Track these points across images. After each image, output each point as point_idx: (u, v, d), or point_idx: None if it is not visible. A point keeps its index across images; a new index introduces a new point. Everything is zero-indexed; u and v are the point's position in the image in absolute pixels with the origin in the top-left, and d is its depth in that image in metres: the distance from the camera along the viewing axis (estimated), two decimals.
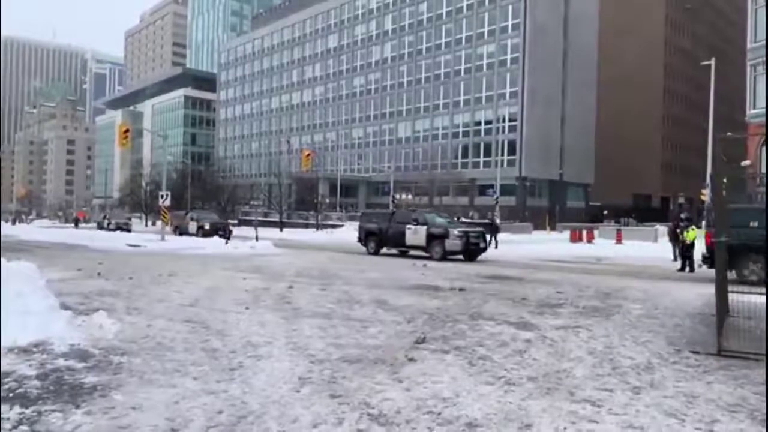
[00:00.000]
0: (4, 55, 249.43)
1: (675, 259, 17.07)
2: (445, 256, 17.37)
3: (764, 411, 3.84)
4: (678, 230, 16.64)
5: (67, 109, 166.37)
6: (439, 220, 19.07)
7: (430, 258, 17.48)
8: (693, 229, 15.84)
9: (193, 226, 30.77)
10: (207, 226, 29.50)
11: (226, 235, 28.08)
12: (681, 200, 53.68)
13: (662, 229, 28.70)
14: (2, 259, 6.19)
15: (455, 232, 17.63)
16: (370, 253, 19.55)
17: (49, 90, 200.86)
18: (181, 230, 31.76)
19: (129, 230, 39.61)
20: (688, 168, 69.50)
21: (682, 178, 68.11)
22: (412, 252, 18.83)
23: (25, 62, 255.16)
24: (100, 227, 43.75)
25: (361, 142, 69.52)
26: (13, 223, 73.26)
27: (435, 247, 17.67)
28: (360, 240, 20.71)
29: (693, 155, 62.44)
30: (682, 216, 17.57)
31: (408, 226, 18.52)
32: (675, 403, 4.06)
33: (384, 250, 19.75)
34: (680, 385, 4.50)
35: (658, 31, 72.73)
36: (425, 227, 18.03)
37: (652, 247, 24.84)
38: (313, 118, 75.82)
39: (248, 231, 32.11)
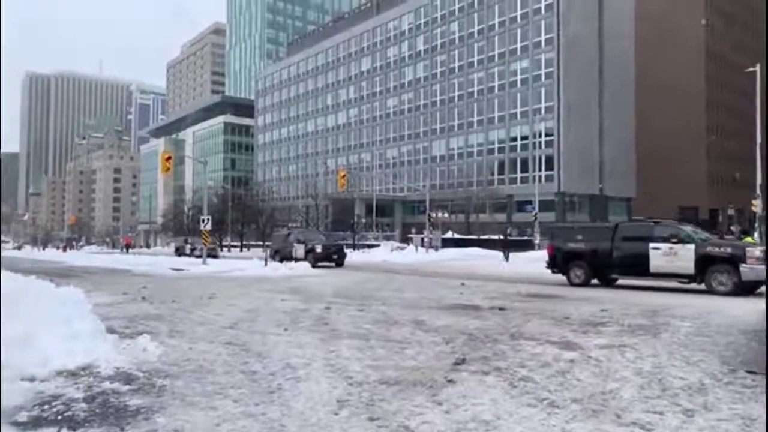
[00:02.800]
0: (55, 90, 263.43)
1: None
2: (739, 291, 11.85)
3: None
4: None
5: (114, 139, 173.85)
6: (702, 235, 13.96)
7: (709, 291, 12.25)
8: (746, 239, 15.09)
9: (300, 250, 25.21)
10: (318, 249, 24.30)
11: (340, 261, 24.88)
12: (730, 211, 51.58)
13: None
14: (51, 284, 6.44)
15: (756, 252, 12.08)
16: (575, 285, 14.36)
17: (98, 122, 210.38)
18: (281, 255, 25.86)
19: (216, 256, 32.66)
20: (736, 178, 66.95)
21: (731, 189, 65.60)
22: (655, 283, 13.59)
23: (75, 96, 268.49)
24: (181, 253, 38.72)
25: (396, 162, 69.85)
26: (64, 249, 76.42)
27: (717, 276, 12.31)
28: (553, 266, 15.37)
29: (741, 165, 60.11)
30: (732, 228, 16.76)
31: (655, 245, 13.28)
32: (731, 426, 3.84)
33: (594, 280, 14.49)
34: (736, 407, 4.26)
35: (698, 39, 70.86)
36: (691, 246, 12.80)
37: None
38: (348, 140, 76.76)
39: None
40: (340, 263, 24.53)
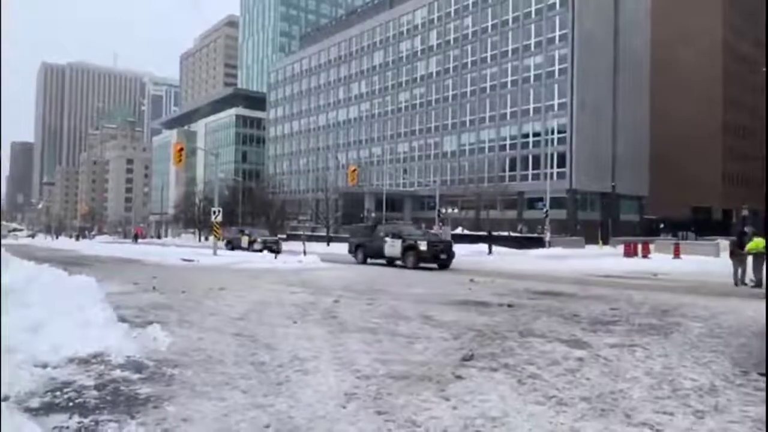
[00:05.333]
0: (70, 81, 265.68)
1: (736, 284, 14.69)
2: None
3: None
4: (743, 248, 15.41)
5: (127, 130, 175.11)
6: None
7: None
8: (756, 240, 14.83)
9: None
10: (423, 247, 20.91)
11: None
12: (745, 212, 50.95)
13: (724, 243, 27.27)
14: (65, 272, 6.50)
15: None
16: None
17: (111, 112, 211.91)
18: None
19: (278, 251, 28.51)
20: (751, 178, 66.12)
21: (745, 189, 64.78)
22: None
23: (90, 87, 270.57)
24: (233, 246, 32.40)
25: (407, 157, 69.72)
26: (77, 239, 77.25)
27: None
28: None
29: (757, 165, 59.35)
30: (746, 229, 16.48)
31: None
32: (742, 428, 3.81)
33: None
34: (747, 409, 4.21)
35: (715, 36, 69.79)
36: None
37: (713, 262, 23.63)
38: (360, 134, 76.72)
39: (296, 245, 32.64)
40: (445, 265, 19.63)
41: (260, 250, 28.12)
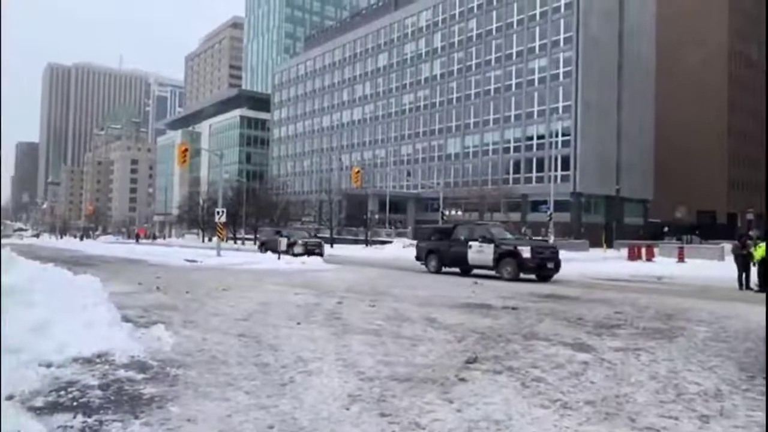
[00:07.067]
0: (75, 82, 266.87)
1: (740, 288, 14.86)
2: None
3: None
4: (745, 249, 15.49)
5: (132, 131, 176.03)
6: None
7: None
8: (761, 246, 14.83)
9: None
10: (527, 255, 16.60)
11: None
12: (749, 216, 50.74)
13: (728, 246, 27.18)
14: (69, 272, 6.52)
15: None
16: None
17: (116, 112, 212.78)
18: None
19: (321, 254, 26.48)
20: (756, 183, 65.85)
21: (750, 194, 64.56)
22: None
23: (95, 87, 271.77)
24: (268, 250, 28.06)
25: (411, 159, 69.76)
26: (81, 239, 77.53)
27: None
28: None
29: (761, 169, 59.14)
30: (750, 233, 16.45)
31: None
32: None
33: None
34: (753, 414, 4.19)
35: (720, 40, 69.67)
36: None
37: (717, 266, 23.52)
38: (363, 136, 76.80)
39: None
40: (549, 276, 16.52)
41: (304, 254, 24.69)
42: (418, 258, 20.07)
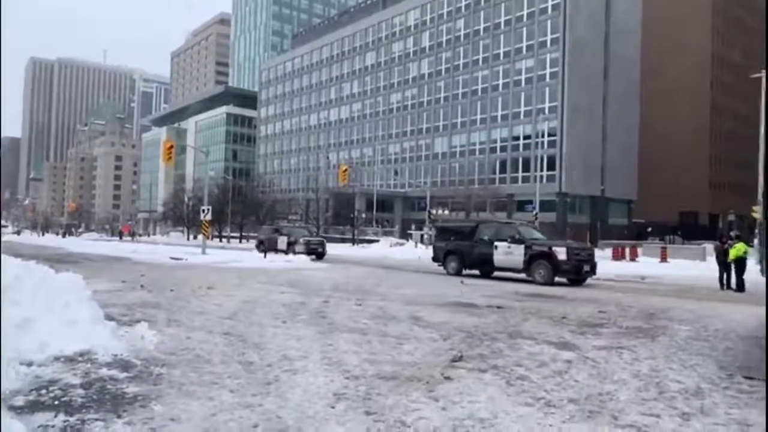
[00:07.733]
0: (58, 77, 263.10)
1: (722, 288, 15.19)
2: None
3: None
4: (726, 248, 15.75)
5: (116, 127, 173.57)
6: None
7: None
8: (737, 246, 15.07)
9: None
10: (563, 257, 15.32)
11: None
12: (731, 217, 51.59)
13: (710, 247, 27.63)
14: (50, 270, 6.43)
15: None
16: None
17: (100, 108, 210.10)
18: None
19: (323, 254, 26.03)
20: (738, 184, 66.89)
21: (732, 195, 65.55)
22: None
23: (79, 83, 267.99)
24: (267, 249, 26.36)
25: (398, 158, 69.83)
26: (63, 236, 76.44)
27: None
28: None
29: (743, 171, 60.11)
30: (732, 234, 16.78)
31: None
32: (727, 431, 3.85)
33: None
34: (732, 412, 4.26)
35: (704, 44, 70.71)
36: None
37: (699, 266, 23.89)
38: (351, 134, 76.72)
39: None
40: (583, 280, 15.59)
41: (305, 253, 23.88)
42: (435, 259, 18.77)
